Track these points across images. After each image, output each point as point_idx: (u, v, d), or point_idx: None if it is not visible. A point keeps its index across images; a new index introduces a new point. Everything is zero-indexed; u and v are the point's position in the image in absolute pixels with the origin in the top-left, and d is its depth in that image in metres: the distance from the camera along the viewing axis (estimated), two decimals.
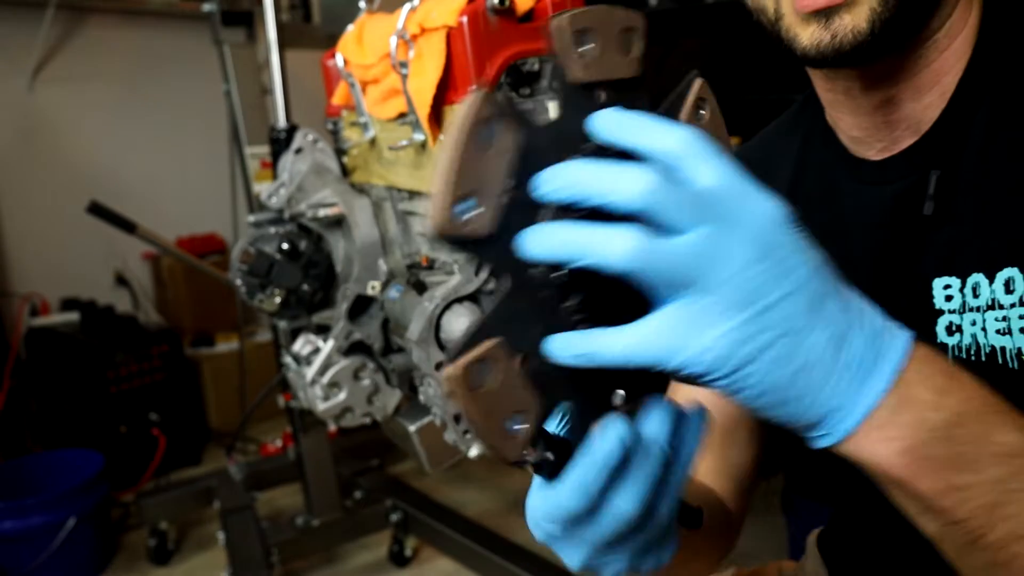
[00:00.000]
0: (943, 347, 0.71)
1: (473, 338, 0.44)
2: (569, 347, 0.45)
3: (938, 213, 0.69)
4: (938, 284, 0.70)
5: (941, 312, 0.70)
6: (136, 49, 3.56)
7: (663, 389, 0.50)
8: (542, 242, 0.43)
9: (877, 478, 0.47)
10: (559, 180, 0.44)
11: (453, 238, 0.43)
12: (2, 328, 3.09)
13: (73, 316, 3.14)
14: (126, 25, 3.52)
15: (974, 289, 0.68)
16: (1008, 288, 0.66)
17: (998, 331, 0.66)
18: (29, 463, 2.58)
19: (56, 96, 3.35)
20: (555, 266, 0.45)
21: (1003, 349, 0.67)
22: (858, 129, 0.77)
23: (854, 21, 0.66)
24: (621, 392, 0.48)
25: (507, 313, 0.45)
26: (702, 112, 0.53)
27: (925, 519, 0.48)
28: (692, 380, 0.45)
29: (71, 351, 2.92)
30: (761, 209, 0.43)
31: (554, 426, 0.48)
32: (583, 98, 0.47)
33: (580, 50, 0.47)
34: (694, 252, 0.42)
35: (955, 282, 0.69)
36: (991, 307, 0.67)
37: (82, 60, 3.41)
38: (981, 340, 0.68)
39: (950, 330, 0.70)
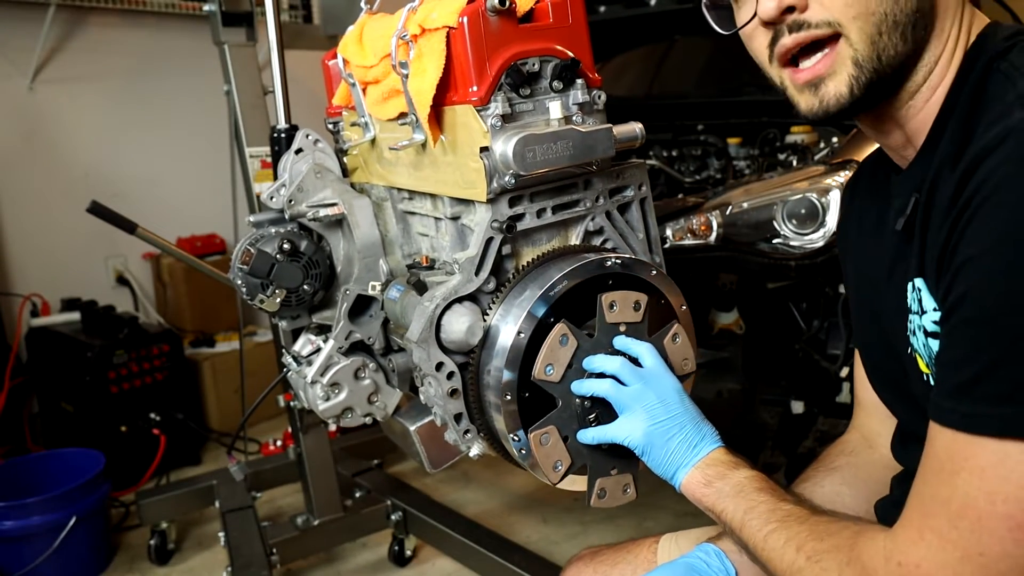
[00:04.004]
0: (907, 342, 0.86)
1: (541, 424, 1.03)
2: (589, 434, 1.03)
3: (907, 228, 0.85)
4: (909, 287, 0.84)
5: (909, 310, 0.85)
6: (136, 49, 3.56)
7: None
8: (581, 386, 1.03)
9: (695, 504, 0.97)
10: (594, 362, 1.03)
11: (539, 382, 1.02)
12: (2, 328, 3.09)
13: (73, 316, 3.15)
14: (126, 25, 3.53)
15: (918, 295, 0.82)
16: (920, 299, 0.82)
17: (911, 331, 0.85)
18: (29, 463, 2.58)
19: (56, 96, 3.35)
20: (583, 397, 1.03)
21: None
22: (885, 149, 0.97)
23: (836, 88, 0.84)
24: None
25: (559, 416, 1.04)
26: (679, 338, 1.10)
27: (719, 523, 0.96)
28: (633, 448, 1.00)
29: (71, 351, 2.92)
30: (667, 380, 1.01)
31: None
32: (610, 329, 1.05)
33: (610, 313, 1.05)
34: (633, 394, 1.00)
35: (918, 285, 0.82)
36: (922, 312, 0.81)
37: (82, 60, 3.41)
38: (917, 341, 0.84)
39: (911, 330, 0.85)
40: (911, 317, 0.84)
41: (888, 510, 1.00)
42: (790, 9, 0.83)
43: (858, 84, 0.83)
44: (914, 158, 0.88)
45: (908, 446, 0.99)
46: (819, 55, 0.84)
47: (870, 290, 0.99)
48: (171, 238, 3.35)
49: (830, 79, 0.84)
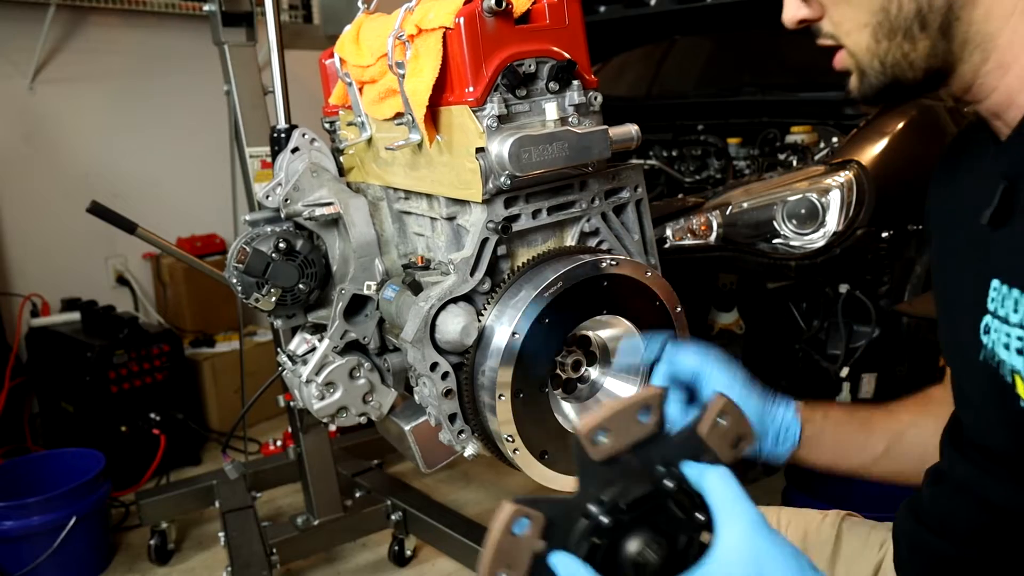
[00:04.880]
0: (979, 344, 0.79)
1: (529, 501, 0.64)
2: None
3: (994, 220, 0.77)
4: (992, 284, 0.78)
5: (986, 311, 0.78)
6: (136, 49, 3.56)
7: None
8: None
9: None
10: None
11: (583, 458, 0.67)
12: (2, 328, 3.09)
13: (73, 316, 3.15)
14: (126, 25, 3.53)
15: (1003, 299, 0.75)
16: (1016, 308, 0.74)
17: (1005, 345, 0.75)
18: (29, 463, 2.58)
19: (56, 96, 3.35)
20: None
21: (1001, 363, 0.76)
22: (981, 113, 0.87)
23: (854, 84, 0.87)
24: None
25: (558, 517, 0.66)
26: (720, 421, 0.72)
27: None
28: None
29: (71, 351, 2.92)
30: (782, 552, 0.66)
31: None
32: (634, 460, 0.68)
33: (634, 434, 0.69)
34: None
35: (1000, 287, 0.76)
36: (1006, 321, 0.75)
37: (82, 60, 3.41)
38: (998, 349, 0.76)
39: (986, 329, 0.78)
40: (990, 320, 0.78)
41: (909, 524, 0.98)
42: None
43: (868, 86, 0.85)
44: (1009, 135, 0.80)
45: (960, 449, 0.91)
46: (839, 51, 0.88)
47: (946, 270, 0.94)
48: (171, 238, 3.36)
49: (850, 75, 0.87)
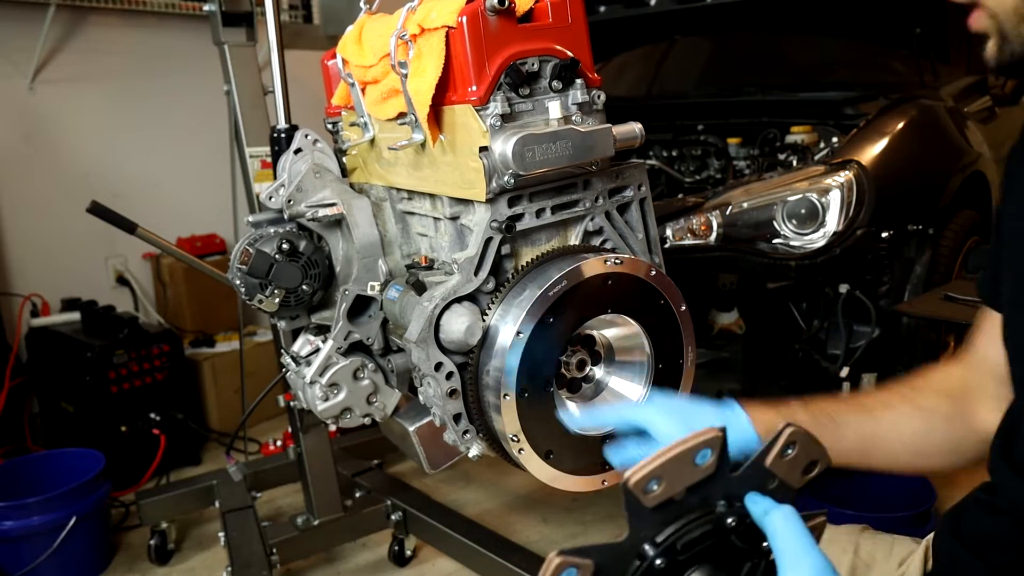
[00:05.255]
0: None
1: (580, 552, 0.61)
2: None
3: None
4: None
5: None
6: (136, 49, 3.56)
7: None
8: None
9: None
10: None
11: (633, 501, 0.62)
12: (2, 328, 3.09)
13: (73, 316, 3.15)
14: (126, 25, 3.52)
15: None
16: None
17: None
18: (29, 463, 2.58)
19: (56, 96, 3.35)
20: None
21: None
22: None
23: (990, 51, 0.79)
24: None
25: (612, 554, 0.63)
26: (789, 451, 0.66)
27: None
28: None
29: (71, 351, 2.92)
30: None
31: None
32: (693, 497, 0.64)
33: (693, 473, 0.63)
34: None
35: None
36: None
37: (82, 60, 3.41)
38: None
39: None
40: None
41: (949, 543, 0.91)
42: None
43: (1008, 53, 0.77)
44: None
45: (1018, 468, 0.85)
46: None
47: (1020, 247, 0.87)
48: (171, 238, 3.35)
49: (987, 39, 0.79)
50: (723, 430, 0.63)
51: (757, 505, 0.64)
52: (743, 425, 0.83)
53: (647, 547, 0.62)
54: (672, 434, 0.79)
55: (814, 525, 0.67)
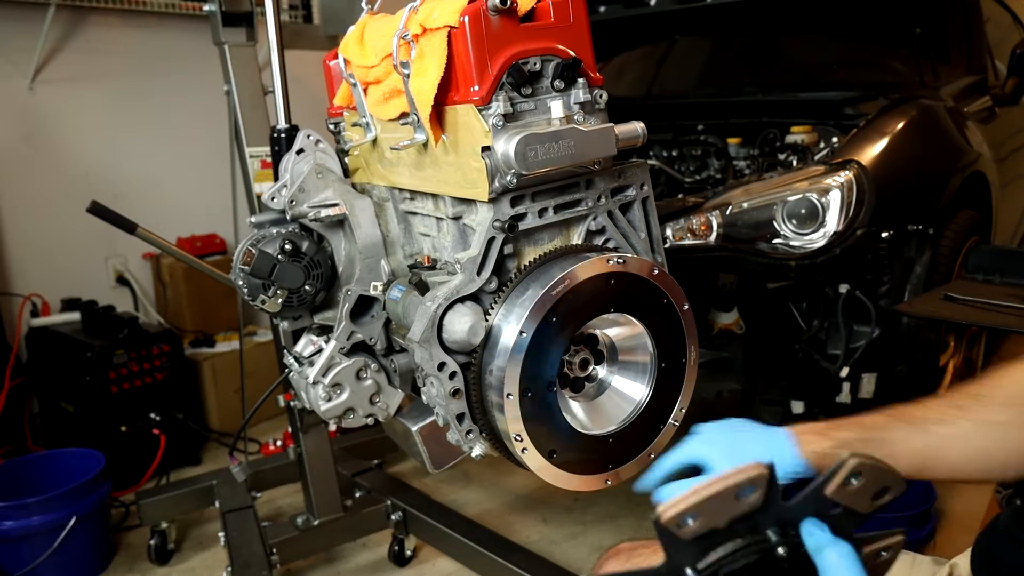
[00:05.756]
0: None
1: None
2: None
3: None
4: None
5: None
6: (136, 49, 3.56)
7: None
8: None
9: None
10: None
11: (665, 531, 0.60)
12: (2, 328, 3.09)
13: (73, 316, 3.14)
14: (126, 25, 3.52)
15: None
16: None
17: None
18: (29, 463, 2.58)
19: (56, 96, 3.35)
20: None
21: None
22: None
23: None
24: None
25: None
26: (853, 481, 0.64)
27: None
28: None
29: (71, 351, 2.92)
30: None
31: None
32: (722, 535, 0.62)
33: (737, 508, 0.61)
34: None
35: None
36: None
37: (82, 60, 3.41)
38: None
39: None
40: None
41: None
42: None
43: None
44: None
45: None
46: None
47: None
48: (171, 238, 3.35)
49: None
50: (770, 467, 0.61)
51: (813, 537, 0.62)
52: (790, 454, 0.85)
53: (689, 572, 0.60)
54: (722, 469, 0.77)
55: (889, 544, 0.66)
